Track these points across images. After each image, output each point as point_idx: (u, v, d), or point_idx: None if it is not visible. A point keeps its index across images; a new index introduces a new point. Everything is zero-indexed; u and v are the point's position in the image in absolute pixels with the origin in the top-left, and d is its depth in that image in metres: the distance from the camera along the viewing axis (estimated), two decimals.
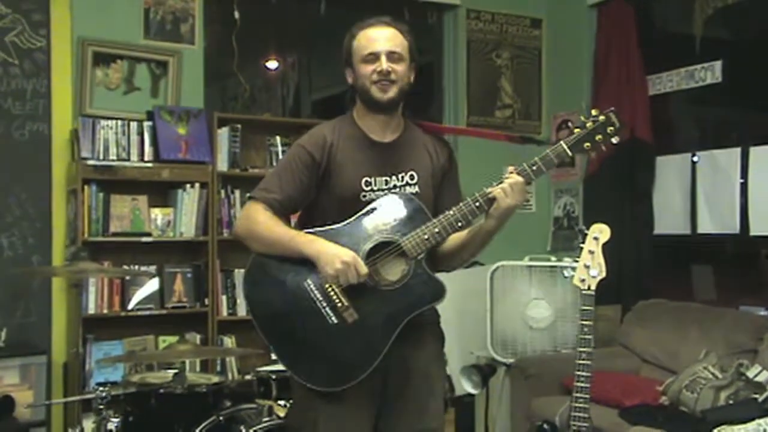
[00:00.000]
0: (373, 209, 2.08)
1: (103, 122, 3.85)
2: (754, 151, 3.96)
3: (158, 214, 3.97)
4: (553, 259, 4.07)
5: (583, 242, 2.30)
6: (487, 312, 3.89)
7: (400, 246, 2.04)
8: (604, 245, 2.28)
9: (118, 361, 3.70)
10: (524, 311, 3.89)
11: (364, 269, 2.00)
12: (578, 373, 2.28)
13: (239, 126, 4.17)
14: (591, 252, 2.28)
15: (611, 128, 2.06)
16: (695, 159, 4.27)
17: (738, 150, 4.02)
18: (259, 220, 2.09)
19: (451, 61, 4.99)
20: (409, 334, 2.06)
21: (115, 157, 3.85)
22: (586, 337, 2.28)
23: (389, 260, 2.06)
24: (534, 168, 2.05)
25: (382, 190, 2.12)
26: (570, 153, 2.06)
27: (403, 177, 2.15)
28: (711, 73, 4.19)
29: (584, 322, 2.28)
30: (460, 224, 2.05)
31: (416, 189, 2.15)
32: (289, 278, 2.07)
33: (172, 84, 4.14)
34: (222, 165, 4.11)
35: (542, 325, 3.88)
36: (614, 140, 2.08)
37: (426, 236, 2.03)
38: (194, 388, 2.81)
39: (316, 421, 2.09)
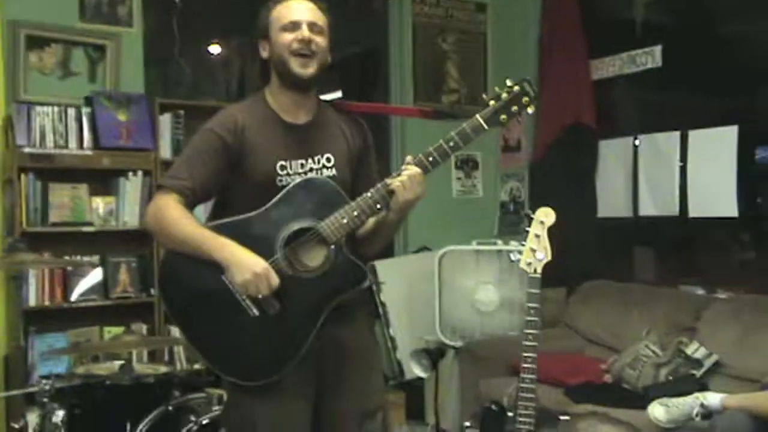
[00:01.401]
0: (289, 194, 2.00)
1: (39, 108, 3.71)
2: (693, 135, 4.04)
3: (100, 203, 3.87)
4: (500, 243, 4.12)
5: (529, 226, 2.34)
6: (435, 296, 3.93)
7: (318, 232, 1.97)
8: (550, 229, 2.32)
9: (63, 353, 3.61)
10: (472, 295, 3.93)
11: (275, 280, 1.92)
12: (525, 354, 2.31)
13: (182, 112, 4.08)
14: (537, 236, 2.31)
15: (526, 98, 2.01)
16: (636, 142, 4.36)
17: (677, 134, 4.10)
18: (171, 216, 1.97)
19: (396, 46, 4.97)
20: (337, 315, 2.02)
21: (52, 145, 3.72)
22: (533, 319, 2.32)
23: (309, 247, 1.99)
24: (437, 152, 1.97)
25: (299, 173, 2.04)
26: (486, 126, 1.99)
27: (319, 160, 2.07)
28: (651, 57, 4.27)
29: (531, 305, 2.32)
30: (378, 206, 1.98)
31: (333, 172, 2.08)
32: (206, 271, 1.97)
33: (111, 68, 4.02)
34: (165, 152, 4.02)
35: (490, 309, 3.94)
36: (530, 110, 2.02)
37: (345, 220, 1.96)
38: (141, 378, 2.78)
39: (253, 419, 2.01)
